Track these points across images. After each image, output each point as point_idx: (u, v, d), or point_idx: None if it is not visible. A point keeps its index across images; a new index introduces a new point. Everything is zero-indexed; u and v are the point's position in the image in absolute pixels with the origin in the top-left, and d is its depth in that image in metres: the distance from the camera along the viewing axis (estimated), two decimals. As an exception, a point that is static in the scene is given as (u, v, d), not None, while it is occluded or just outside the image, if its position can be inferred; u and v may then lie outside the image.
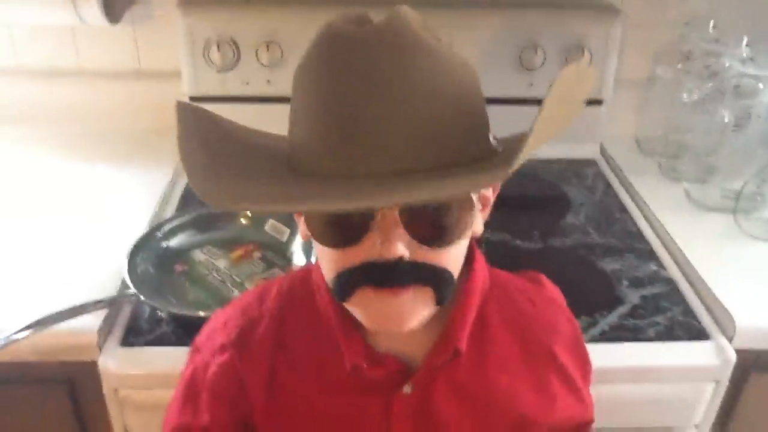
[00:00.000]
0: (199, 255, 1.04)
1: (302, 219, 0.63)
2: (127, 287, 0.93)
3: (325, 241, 0.58)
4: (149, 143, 1.34)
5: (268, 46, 1.28)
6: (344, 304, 0.61)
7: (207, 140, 0.62)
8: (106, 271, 0.98)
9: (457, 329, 0.65)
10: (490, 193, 0.65)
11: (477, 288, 0.67)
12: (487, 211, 0.66)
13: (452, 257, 0.59)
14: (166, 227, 1.07)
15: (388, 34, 0.53)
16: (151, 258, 1.01)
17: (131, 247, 0.99)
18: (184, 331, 0.91)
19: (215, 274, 1.01)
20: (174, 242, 1.06)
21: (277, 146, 0.62)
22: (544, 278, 0.76)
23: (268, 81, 1.31)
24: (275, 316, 0.69)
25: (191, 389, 0.69)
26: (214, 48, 1.28)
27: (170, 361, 0.87)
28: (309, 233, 0.61)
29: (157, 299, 0.93)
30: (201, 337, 0.72)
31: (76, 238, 1.08)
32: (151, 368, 0.88)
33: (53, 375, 0.92)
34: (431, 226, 0.56)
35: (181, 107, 0.64)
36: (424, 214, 0.55)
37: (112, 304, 0.92)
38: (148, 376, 0.88)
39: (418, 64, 0.53)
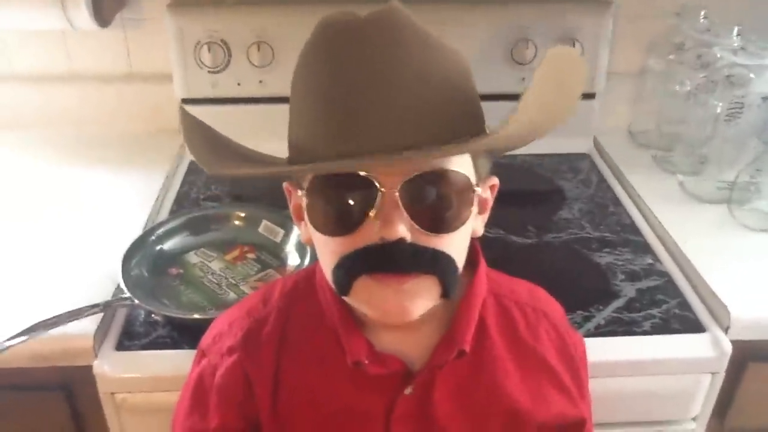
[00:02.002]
0: (193, 257, 1.04)
1: (303, 222, 0.64)
2: (122, 291, 0.93)
3: (325, 230, 0.59)
4: (142, 146, 1.33)
5: (258, 47, 1.28)
6: (346, 297, 0.61)
7: (208, 137, 0.66)
8: (100, 275, 0.98)
9: (461, 330, 0.65)
10: (489, 196, 0.66)
11: (481, 291, 0.68)
12: (487, 213, 0.67)
13: (454, 245, 0.59)
14: (160, 230, 1.06)
15: (383, 21, 0.55)
16: (146, 261, 1.01)
17: (125, 250, 0.99)
18: (179, 334, 0.91)
19: (210, 277, 1.01)
20: (168, 245, 1.05)
21: (273, 156, 0.64)
22: (541, 291, 0.76)
23: (260, 81, 1.31)
24: (280, 315, 0.70)
25: (199, 393, 0.70)
26: (205, 49, 1.28)
27: (166, 364, 0.88)
28: (310, 234, 0.62)
29: (151, 302, 0.93)
30: (206, 340, 0.72)
31: (70, 243, 1.07)
32: (147, 372, 0.88)
33: (49, 380, 0.92)
34: (431, 209, 0.57)
35: (183, 111, 0.67)
36: (423, 196, 0.56)
37: (106, 308, 0.92)
38: (144, 380, 0.88)
39: (414, 50, 0.55)
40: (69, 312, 0.89)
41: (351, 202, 0.56)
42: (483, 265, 0.70)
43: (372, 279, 0.58)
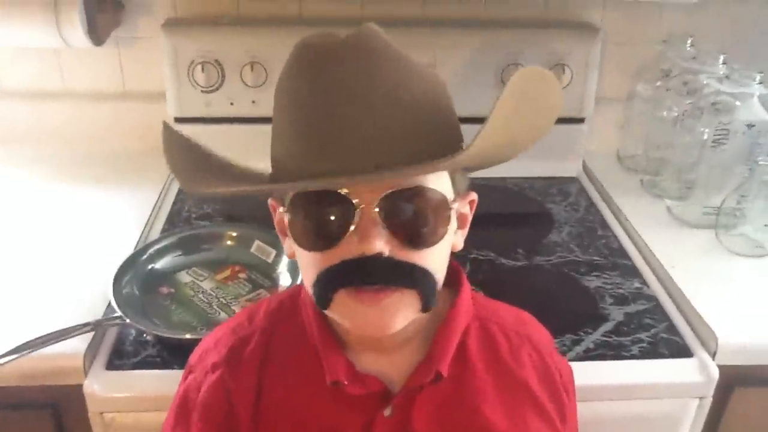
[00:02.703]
0: (184, 277, 1.04)
1: (287, 237, 0.64)
2: (113, 310, 0.93)
3: (306, 245, 0.60)
4: (135, 164, 1.34)
5: (252, 67, 1.29)
6: (327, 311, 0.62)
7: (190, 153, 0.67)
8: (92, 293, 0.98)
9: (439, 353, 0.66)
10: (468, 211, 0.67)
11: (461, 313, 0.69)
12: (466, 229, 0.68)
13: (433, 260, 0.60)
14: (152, 249, 1.06)
15: (358, 43, 0.57)
16: (137, 280, 1.01)
17: (117, 269, 0.99)
18: (169, 353, 0.91)
19: (201, 296, 1.01)
20: (159, 264, 1.05)
21: (255, 171, 0.65)
22: (527, 316, 0.76)
23: (253, 101, 1.32)
24: (263, 334, 0.70)
25: (183, 409, 0.70)
26: (199, 69, 1.29)
27: (156, 384, 0.87)
28: (293, 249, 0.63)
29: (142, 322, 0.93)
30: (194, 357, 0.73)
31: (62, 261, 1.07)
32: (136, 391, 0.88)
33: (38, 399, 0.91)
34: (409, 223, 0.58)
35: (167, 126, 0.68)
36: (400, 211, 0.57)
37: (97, 327, 0.91)
38: (133, 399, 0.88)
39: (386, 71, 0.56)
40: (59, 331, 0.89)
41: (330, 217, 0.58)
42: (466, 289, 0.71)
43: (351, 293, 0.59)
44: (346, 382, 0.65)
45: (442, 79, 0.62)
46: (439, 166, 0.56)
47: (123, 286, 0.98)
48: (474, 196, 0.67)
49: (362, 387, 0.65)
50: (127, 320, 0.91)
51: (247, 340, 0.70)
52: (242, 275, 1.05)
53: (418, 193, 0.58)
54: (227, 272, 1.05)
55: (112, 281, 0.97)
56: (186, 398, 0.70)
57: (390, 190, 0.57)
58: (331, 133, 0.55)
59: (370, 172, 0.54)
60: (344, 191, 0.57)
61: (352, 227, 0.57)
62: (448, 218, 0.60)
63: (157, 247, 1.07)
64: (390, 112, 0.56)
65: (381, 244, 0.56)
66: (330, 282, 0.59)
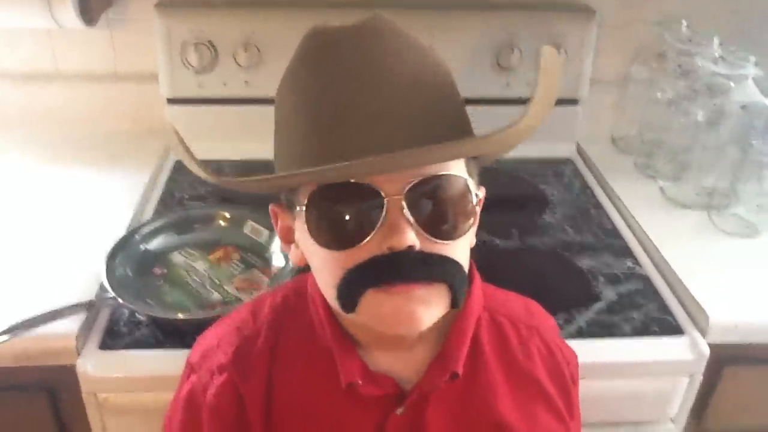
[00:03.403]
0: (177, 257, 1.04)
1: (293, 245, 0.64)
2: (106, 291, 0.93)
3: (331, 244, 0.57)
4: (127, 145, 1.33)
5: (245, 48, 1.28)
6: (352, 314, 0.58)
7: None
8: (85, 274, 0.98)
9: (454, 352, 0.64)
10: (478, 208, 0.66)
11: (475, 310, 0.68)
12: (476, 225, 0.66)
13: (459, 253, 0.58)
14: (145, 230, 1.06)
15: (372, 30, 0.56)
16: (130, 261, 1.01)
17: (109, 250, 0.99)
18: (162, 333, 0.91)
19: (194, 277, 1.01)
20: (152, 245, 1.05)
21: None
22: (536, 306, 0.76)
23: (246, 82, 1.31)
24: (270, 330, 0.68)
25: (191, 410, 0.68)
26: (192, 50, 1.28)
27: (149, 363, 0.88)
28: (305, 254, 0.62)
29: (135, 302, 0.93)
30: (194, 357, 0.70)
31: (55, 242, 1.07)
32: (129, 371, 0.88)
33: (31, 380, 0.91)
34: (437, 214, 0.56)
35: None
36: (428, 201, 0.55)
37: (90, 307, 0.92)
38: (126, 379, 0.88)
39: (404, 57, 0.56)
40: (52, 311, 0.89)
41: (357, 212, 0.55)
42: (478, 283, 0.69)
43: (381, 291, 0.56)
44: (360, 383, 0.63)
45: (448, 67, 0.61)
46: (474, 145, 0.56)
47: (116, 267, 0.98)
48: (483, 191, 0.65)
49: (377, 388, 0.64)
50: (120, 300, 0.91)
51: (253, 339, 0.68)
52: (235, 255, 1.05)
53: (445, 181, 0.56)
54: (220, 253, 1.05)
55: (104, 261, 0.97)
56: (192, 401, 0.68)
57: (415, 180, 0.54)
58: (352, 122, 0.54)
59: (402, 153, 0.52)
60: (369, 182, 0.54)
61: (381, 220, 0.54)
62: (474, 208, 0.58)
63: (149, 227, 1.07)
64: (410, 98, 0.55)
65: (412, 237, 0.54)
66: (359, 281, 0.56)
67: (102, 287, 0.94)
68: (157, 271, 1.02)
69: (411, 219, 0.54)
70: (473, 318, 0.67)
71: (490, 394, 0.67)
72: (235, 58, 1.29)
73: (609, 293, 1.01)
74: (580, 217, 1.22)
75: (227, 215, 1.10)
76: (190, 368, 0.70)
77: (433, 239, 0.56)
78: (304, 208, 0.57)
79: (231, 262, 1.03)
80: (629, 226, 1.19)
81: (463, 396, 0.66)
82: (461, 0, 1.34)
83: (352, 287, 0.56)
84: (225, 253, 1.05)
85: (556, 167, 1.38)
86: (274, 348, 0.67)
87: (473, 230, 0.61)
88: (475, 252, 0.71)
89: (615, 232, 1.18)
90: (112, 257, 0.98)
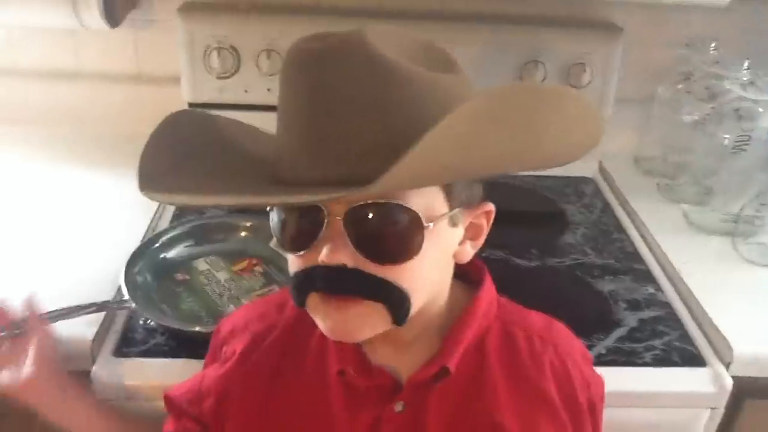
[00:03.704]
0: (202, 264, 1.03)
1: None
2: (122, 294, 0.92)
3: (282, 245, 0.61)
4: (147, 149, 1.32)
5: (268, 54, 1.28)
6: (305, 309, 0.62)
7: (186, 143, 0.66)
8: (102, 279, 0.97)
9: (449, 349, 0.65)
10: (483, 222, 0.65)
11: (478, 314, 0.68)
12: (479, 241, 0.66)
13: (408, 276, 0.59)
14: (164, 238, 1.05)
15: (340, 50, 0.55)
16: (149, 267, 1.00)
17: (129, 255, 0.98)
18: (177, 343, 0.90)
19: (214, 286, 1.00)
20: (171, 253, 1.04)
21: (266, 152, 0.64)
22: (560, 326, 0.75)
23: (268, 90, 1.30)
24: (288, 326, 0.72)
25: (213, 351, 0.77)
26: (214, 54, 1.27)
27: (163, 373, 0.87)
28: None
29: (149, 308, 0.92)
30: (226, 329, 0.76)
31: (72, 244, 1.06)
32: (143, 380, 0.87)
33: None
34: (374, 239, 0.57)
35: (174, 115, 0.68)
36: (366, 225, 0.56)
37: (102, 308, 0.90)
38: (140, 388, 0.87)
39: (366, 80, 0.54)
40: (64, 308, 0.88)
41: (301, 224, 0.59)
42: (487, 289, 0.70)
43: (323, 297, 0.59)
44: (352, 372, 0.65)
45: (451, 91, 0.58)
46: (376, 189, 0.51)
47: (136, 272, 0.97)
48: (489, 207, 0.65)
49: (369, 379, 0.66)
50: (133, 305, 0.91)
51: (271, 330, 0.72)
52: (258, 268, 1.03)
53: (384, 209, 0.57)
54: (244, 264, 1.04)
55: (124, 266, 0.96)
56: (214, 355, 0.76)
57: (359, 202, 0.56)
58: (300, 140, 0.56)
59: (333, 184, 0.54)
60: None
61: (321, 235, 0.57)
62: (421, 237, 0.58)
63: (169, 235, 1.06)
64: (367, 123, 0.54)
65: (343, 256, 0.56)
66: (303, 284, 0.60)
67: (119, 291, 0.93)
68: (179, 276, 1.01)
69: (348, 239, 0.56)
70: (475, 321, 0.67)
71: (491, 400, 0.67)
72: (257, 65, 1.28)
73: (629, 319, 1.00)
74: (601, 238, 1.20)
75: (248, 225, 1.09)
76: (222, 340, 0.75)
77: (368, 261, 0.57)
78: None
79: (253, 275, 1.02)
80: (651, 250, 1.18)
81: (464, 400, 0.67)
82: (483, 13, 1.33)
83: (298, 287, 0.61)
84: (248, 265, 1.04)
85: (577, 186, 1.37)
86: (287, 343, 0.71)
87: (437, 253, 0.61)
88: (493, 269, 0.71)
89: (636, 256, 1.16)
90: (131, 262, 0.97)
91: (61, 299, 0.91)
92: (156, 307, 0.95)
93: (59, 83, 1.36)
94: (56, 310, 0.87)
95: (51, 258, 1.03)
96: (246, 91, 1.31)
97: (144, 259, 1.00)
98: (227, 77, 1.30)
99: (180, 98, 1.31)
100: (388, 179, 0.49)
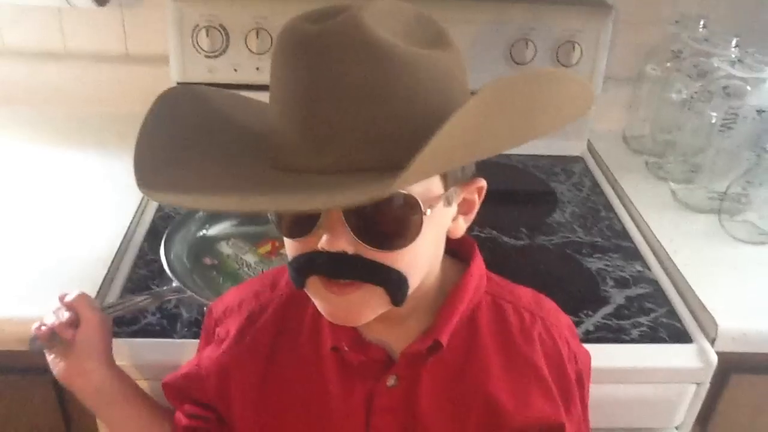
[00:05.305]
0: (225, 248, 1.02)
1: None
2: (171, 282, 0.92)
3: (282, 231, 0.61)
4: (135, 128, 1.31)
5: (257, 33, 1.27)
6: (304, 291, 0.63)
7: (183, 126, 0.64)
8: (92, 259, 0.97)
9: (441, 323, 0.66)
10: (475, 198, 0.65)
11: (469, 288, 0.68)
12: (471, 215, 0.66)
13: (407, 260, 0.59)
14: (178, 220, 1.04)
15: (337, 35, 0.53)
16: (181, 251, 0.99)
17: (163, 239, 0.98)
18: (169, 322, 0.91)
19: (246, 269, 0.99)
20: (192, 236, 1.03)
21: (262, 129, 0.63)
22: (547, 300, 0.75)
23: (257, 68, 1.30)
24: (282, 303, 0.72)
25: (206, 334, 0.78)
26: (203, 33, 1.26)
27: (154, 352, 0.88)
28: None
29: (203, 294, 0.91)
30: (218, 310, 0.76)
31: (60, 226, 1.06)
32: (135, 359, 0.87)
33: (38, 364, 0.91)
34: (374, 227, 0.57)
35: (168, 93, 0.66)
36: (365, 213, 0.56)
37: (158, 298, 0.90)
38: (132, 367, 0.87)
39: (363, 66, 0.53)
40: (118, 302, 0.88)
41: (300, 212, 0.58)
42: (477, 264, 0.70)
43: (323, 281, 0.60)
44: (346, 348, 0.66)
45: (450, 75, 0.58)
46: (377, 192, 0.50)
47: (172, 258, 0.96)
48: (482, 183, 0.65)
49: (362, 353, 0.67)
50: (188, 292, 0.90)
51: (265, 308, 0.72)
52: (283, 251, 1.01)
53: (384, 198, 0.55)
54: (268, 247, 1.03)
55: (162, 252, 0.95)
56: (208, 338, 0.76)
57: None
58: (300, 128, 0.55)
59: (344, 174, 0.53)
60: None
61: (319, 222, 0.57)
62: (419, 222, 0.58)
63: (178, 219, 1.04)
64: (362, 110, 0.53)
65: (343, 243, 0.56)
66: (301, 268, 0.60)
67: (165, 277, 0.93)
68: (208, 261, 1.00)
69: (347, 227, 0.56)
70: (466, 295, 0.68)
71: (483, 373, 0.68)
72: (246, 43, 1.28)
73: (617, 297, 1.01)
74: (590, 216, 1.21)
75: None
76: (215, 320, 0.76)
77: (369, 247, 0.57)
78: None
79: (281, 258, 1.01)
80: (639, 228, 1.19)
81: (456, 374, 0.68)
82: (474, -9, 1.32)
83: (297, 271, 0.61)
84: (273, 248, 1.02)
85: (567, 164, 1.37)
86: (282, 319, 0.71)
87: (432, 236, 0.61)
88: (482, 248, 0.71)
89: (624, 234, 1.17)
90: (167, 245, 0.97)
91: (49, 280, 0.92)
92: (202, 293, 0.92)
93: (46, 63, 1.35)
94: (112, 305, 0.87)
95: (38, 240, 1.03)
96: (235, 70, 1.30)
97: (172, 243, 0.99)
98: (216, 56, 1.29)
99: (168, 77, 1.30)
100: (403, 181, 0.48)
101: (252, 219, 1.07)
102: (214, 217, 1.06)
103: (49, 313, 0.79)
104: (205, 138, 0.64)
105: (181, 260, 0.98)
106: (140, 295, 0.90)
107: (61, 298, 0.80)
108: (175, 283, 0.91)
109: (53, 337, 0.77)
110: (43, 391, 0.93)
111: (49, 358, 0.80)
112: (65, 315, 0.78)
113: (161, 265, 0.95)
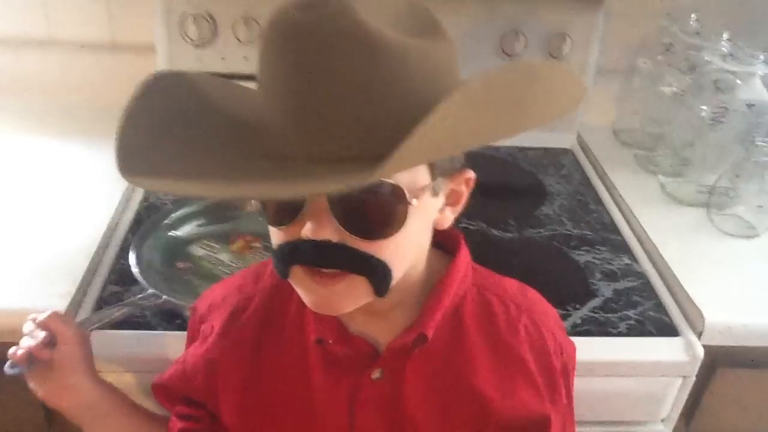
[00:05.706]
0: (197, 250, 1.01)
1: None
2: (146, 288, 0.90)
3: (266, 218, 0.60)
4: (121, 118, 1.30)
5: (245, 22, 1.26)
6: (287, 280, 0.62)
7: (168, 112, 0.62)
8: (75, 251, 0.96)
9: (426, 316, 0.66)
10: (463, 189, 0.65)
11: (454, 281, 0.68)
12: (459, 206, 0.65)
13: (391, 250, 0.58)
14: (146, 226, 1.02)
15: (328, 25, 0.52)
16: (152, 257, 0.97)
17: (131, 245, 0.96)
18: (152, 315, 0.90)
19: (221, 268, 0.98)
20: (163, 241, 1.01)
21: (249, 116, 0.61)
22: (533, 292, 0.75)
23: (245, 58, 1.29)
24: (266, 295, 0.72)
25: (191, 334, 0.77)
26: (191, 22, 1.25)
27: (138, 345, 0.87)
28: None
29: (180, 298, 0.90)
30: (203, 307, 0.75)
31: (44, 217, 1.05)
32: (118, 352, 0.87)
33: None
34: (359, 216, 0.57)
35: (153, 78, 0.63)
36: (348, 203, 0.55)
37: (134, 307, 0.89)
38: (115, 360, 0.87)
39: (352, 56, 0.52)
40: (94, 315, 0.87)
41: (285, 200, 0.58)
42: (463, 256, 0.70)
43: (306, 271, 0.59)
44: (330, 341, 0.66)
45: (442, 66, 0.57)
46: (361, 179, 0.50)
47: (144, 265, 0.95)
48: (470, 174, 0.64)
49: (347, 347, 0.66)
50: (164, 297, 0.89)
51: (249, 301, 0.72)
52: (256, 245, 1.01)
53: (369, 186, 0.53)
54: (240, 243, 1.02)
55: (134, 259, 0.93)
56: (194, 336, 0.75)
57: None
58: (289, 117, 0.54)
59: (334, 163, 0.52)
60: None
61: (304, 211, 0.56)
62: (405, 211, 0.57)
63: (146, 225, 1.03)
64: (351, 100, 0.52)
65: (327, 232, 0.56)
66: (285, 257, 0.59)
67: (140, 285, 0.91)
68: (181, 265, 0.98)
69: (332, 215, 0.56)
70: (451, 288, 0.67)
71: (468, 366, 0.67)
72: (234, 33, 1.26)
73: (605, 290, 1.01)
74: (579, 209, 1.21)
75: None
76: (200, 317, 0.75)
77: (353, 236, 0.57)
78: None
79: (254, 251, 1.00)
80: (627, 222, 1.18)
81: (441, 366, 0.67)
82: (466, -17, 1.32)
83: (281, 260, 0.60)
84: (245, 243, 1.02)
85: (556, 157, 1.37)
86: (267, 311, 0.71)
87: (418, 225, 0.60)
88: (470, 240, 0.71)
89: (613, 227, 1.17)
90: (138, 247, 0.95)
91: (32, 273, 0.91)
92: (180, 298, 0.91)
93: (30, 51, 1.34)
94: (87, 320, 0.86)
95: (22, 231, 1.02)
96: (223, 59, 1.29)
97: (142, 251, 0.97)
98: (204, 46, 1.28)
99: (155, 67, 1.29)
100: (384, 170, 0.48)
101: (218, 217, 1.06)
102: (180, 220, 1.04)
103: (24, 336, 0.76)
104: (191, 124, 0.62)
105: (153, 267, 0.96)
106: (115, 306, 0.88)
107: (34, 319, 0.77)
108: (150, 290, 0.90)
109: (31, 360, 0.75)
110: (25, 386, 0.92)
111: (31, 383, 0.77)
112: (40, 335, 0.75)
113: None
